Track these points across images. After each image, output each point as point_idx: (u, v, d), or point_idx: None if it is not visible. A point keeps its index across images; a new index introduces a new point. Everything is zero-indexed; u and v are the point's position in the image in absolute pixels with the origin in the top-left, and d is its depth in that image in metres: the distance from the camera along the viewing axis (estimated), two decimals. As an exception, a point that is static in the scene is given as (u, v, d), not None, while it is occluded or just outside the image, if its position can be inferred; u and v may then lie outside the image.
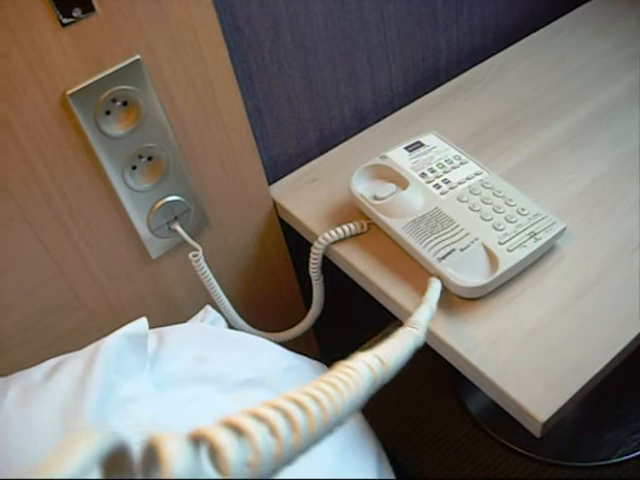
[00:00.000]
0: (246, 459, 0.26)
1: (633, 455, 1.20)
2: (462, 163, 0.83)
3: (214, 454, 0.26)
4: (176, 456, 0.24)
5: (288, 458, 0.29)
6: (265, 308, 1.03)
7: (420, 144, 0.86)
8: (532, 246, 0.72)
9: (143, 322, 0.66)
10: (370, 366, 0.38)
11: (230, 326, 0.89)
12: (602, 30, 1.11)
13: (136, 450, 0.26)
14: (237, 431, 0.27)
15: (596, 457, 1.21)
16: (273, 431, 0.28)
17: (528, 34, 1.13)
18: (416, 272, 0.75)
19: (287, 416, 0.30)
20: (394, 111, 1.03)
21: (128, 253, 0.81)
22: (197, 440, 0.26)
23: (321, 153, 0.98)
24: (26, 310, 0.77)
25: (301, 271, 0.99)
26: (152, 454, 0.25)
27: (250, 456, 0.27)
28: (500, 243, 0.72)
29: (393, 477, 0.76)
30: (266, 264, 0.99)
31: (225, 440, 0.26)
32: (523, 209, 0.76)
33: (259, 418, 0.28)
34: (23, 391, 0.62)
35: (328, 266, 0.86)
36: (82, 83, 0.66)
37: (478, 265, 0.72)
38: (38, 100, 0.64)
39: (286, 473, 0.61)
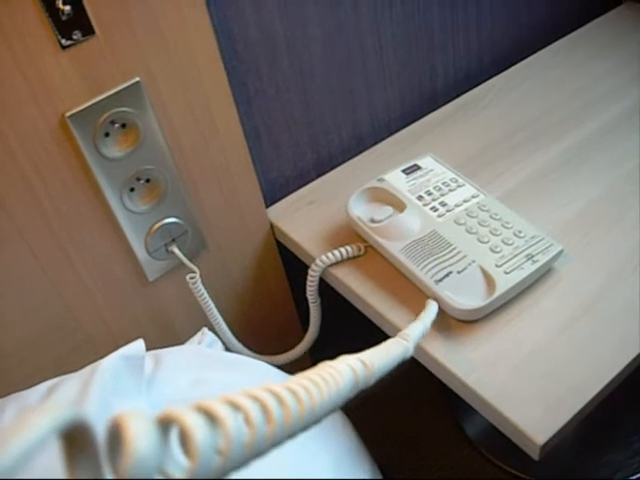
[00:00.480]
0: (216, 445, 0.25)
1: (632, 478, 1.19)
2: (459, 186, 0.83)
3: (183, 437, 0.25)
4: (139, 436, 0.23)
5: (260, 449, 0.28)
6: (262, 331, 1.03)
7: (417, 167, 0.86)
8: (529, 268, 0.72)
9: (140, 344, 0.66)
10: (353, 368, 0.38)
11: (227, 349, 0.89)
12: (601, 52, 1.12)
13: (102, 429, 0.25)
14: (209, 416, 0.26)
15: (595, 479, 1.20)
16: (247, 420, 0.27)
17: (526, 57, 1.14)
18: (413, 295, 0.75)
19: (263, 406, 0.29)
20: (391, 134, 1.03)
21: (125, 275, 0.81)
22: (166, 422, 0.25)
23: (318, 176, 0.98)
24: (23, 330, 0.76)
25: (298, 294, 0.99)
26: (116, 433, 0.23)
27: (220, 443, 0.25)
28: (497, 265, 0.72)
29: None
30: (263, 286, 0.98)
31: (195, 423, 0.25)
32: (520, 231, 0.76)
33: (234, 405, 0.27)
34: (19, 413, 0.62)
35: (325, 289, 0.86)
36: (81, 105, 0.66)
37: (475, 287, 0.72)
38: (37, 121, 0.65)
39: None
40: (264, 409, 0.29)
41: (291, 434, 0.30)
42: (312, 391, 0.32)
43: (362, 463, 0.73)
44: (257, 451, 0.28)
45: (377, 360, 0.42)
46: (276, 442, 0.29)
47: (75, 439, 0.24)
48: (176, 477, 0.24)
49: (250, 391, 0.29)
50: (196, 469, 0.24)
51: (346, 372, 0.37)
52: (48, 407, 0.22)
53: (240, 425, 0.27)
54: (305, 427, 0.31)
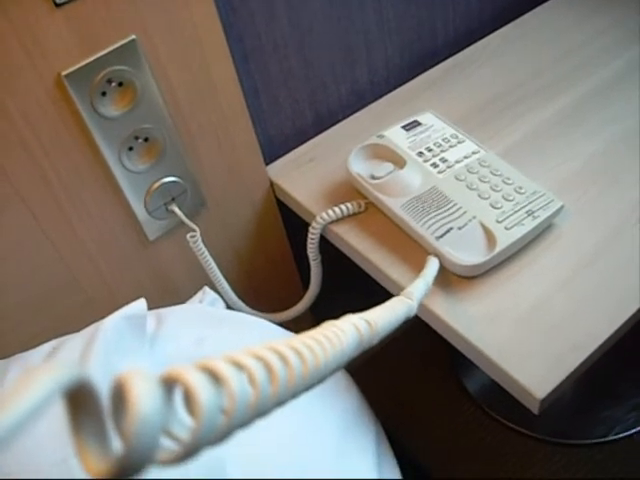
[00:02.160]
0: (220, 405, 0.25)
1: (629, 433, 1.21)
2: (459, 142, 0.83)
3: (187, 397, 0.25)
4: (144, 395, 0.23)
5: (264, 409, 0.28)
6: (263, 289, 1.03)
7: (417, 123, 0.86)
8: (530, 224, 0.72)
9: (142, 303, 0.66)
10: (357, 327, 0.38)
11: (228, 307, 0.89)
12: (599, 8, 1.11)
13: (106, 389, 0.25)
14: (213, 375, 0.26)
15: (593, 435, 1.22)
16: (251, 379, 0.27)
17: (525, 12, 1.12)
18: (414, 251, 0.75)
19: (267, 366, 0.29)
20: (391, 90, 1.02)
21: (125, 235, 0.81)
22: (170, 381, 0.25)
23: (318, 133, 0.98)
24: (24, 292, 0.77)
25: (299, 251, 0.99)
26: (120, 392, 0.23)
27: (225, 402, 0.25)
28: (498, 221, 0.72)
29: (392, 455, 0.77)
30: (263, 244, 0.98)
31: (199, 382, 0.25)
32: (520, 187, 0.76)
33: (238, 365, 0.27)
34: (23, 372, 0.62)
35: (326, 246, 0.86)
36: (77, 64, 0.65)
37: (476, 243, 0.72)
38: (33, 81, 0.64)
39: (288, 451, 0.62)
40: (268, 368, 0.29)
41: (295, 393, 0.30)
42: (316, 350, 0.32)
43: (366, 422, 0.74)
44: (261, 411, 0.28)
45: (381, 319, 0.43)
46: (280, 401, 0.29)
47: (79, 399, 0.24)
48: (180, 437, 0.25)
49: (254, 350, 0.29)
50: (200, 429, 0.24)
51: (350, 331, 0.37)
52: (51, 366, 0.22)
53: (244, 385, 0.27)
54: (309, 386, 0.31)
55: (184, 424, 0.25)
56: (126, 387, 0.23)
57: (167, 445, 0.24)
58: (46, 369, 0.22)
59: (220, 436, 0.26)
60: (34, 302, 0.78)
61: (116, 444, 0.24)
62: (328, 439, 0.66)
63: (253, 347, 0.29)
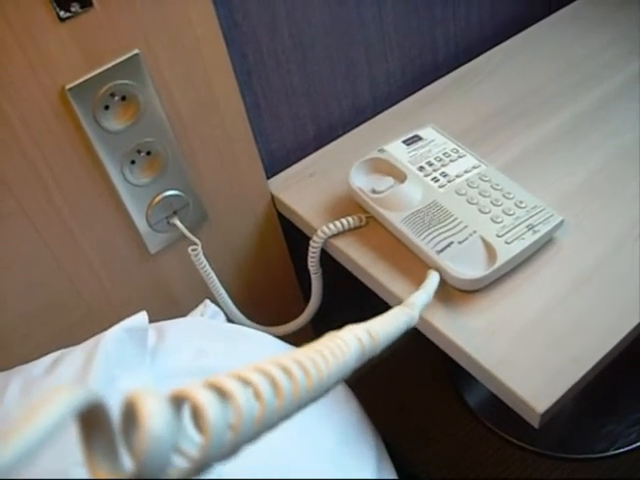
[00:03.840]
0: (228, 420, 0.26)
1: (630, 448, 1.20)
2: (460, 156, 0.83)
3: (195, 414, 0.25)
4: (154, 414, 0.23)
5: (270, 423, 0.28)
6: (264, 302, 1.03)
7: (418, 138, 0.86)
8: (530, 238, 0.73)
9: (143, 316, 0.66)
10: (359, 338, 0.38)
11: (229, 320, 0.89)
12: (601, 23, 1.11)
13: (116, 408, 0.25)
14: (220, 392, 0.26)
15: (594, 449, 1.21)
16: (257, 395, 0.28)
17: (526, 27, 1.13)
18: (415, 265, 0.76)
19: (272, 381, 0.29)
20: (392, 105, 1.03)
21: (127, 248, 0.81)
22: (178, 400, 0.25)
23: (319, 147, 0.98)
24: (26, 305, 0.77)
25: (300, 265, 0.99)
26: (131, 412, 0.24)
27: (232, 418, 0.26)
28: (498, 236, 0.73)
29: (392, 469, 0.77)
30: (265, 258, 0.99)
31: (207, 400, 0.25)
32: (521, 202, 0.76)
33: (243, 381, 0.28)
34: (24, 385, 0.62)
35: (327, 260, 0.86)
36: (81, 78, 0.66)
37: (476, 258, 0.72)
38: (37, 95, 0.64)
39: (286, 464, 0.62)
40: (273, 383, 0.29)
41: (300, 406, 0.30)
42: (319, 363, 0.33)
43: (366, 435, 0.74)
44: (267, 425, 0.28)
45: (382, 329, 0.43)
46: (286, 415, 0.29)
47: (91, 419, 0.24)
48: (190, 453, 0.25)
49: (259, 365, 0.30)
50: (209, 444, 0.25)
51: (352, 342, 0.37)
52: (64, 389, 0.23)
53: (250, 400, 0.27)
54: (314, 399, 0.32)
55: (193, 441, 0.25)
56: (136, 406, 0.24)
57: (177, 462, 0.25)
58: (60, 392, 0.22)
59: (228, 451, 0.26)
60: (35, 314, 0.78)
61: (127, 462, 0.25)
62: (327, 452, 0.66)
63: (258, 362, 0.30)
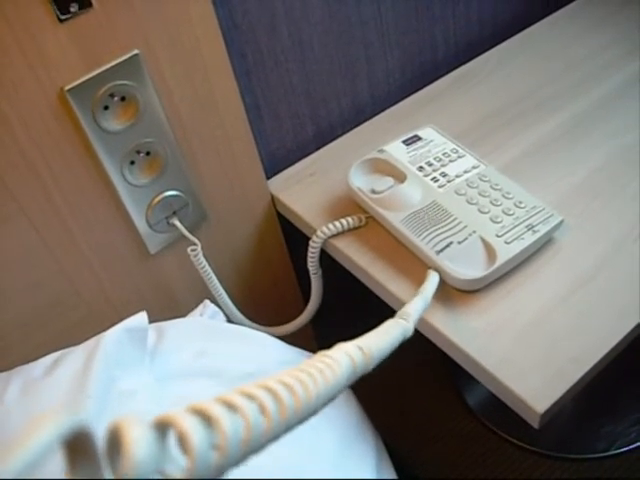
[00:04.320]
0: (212, 443, 0.26)
1: (630, 447, 1.20)
2: (459, 156, 0.83)
3: (180, 439, 0.26)
4: (137, 441, 0.24)
5: (257, 445, 0.28)
6: (263, 302, 1.03)
7: (418, 138, 0.86)
8: (530, 238, 0.73)
9: (143, 316, 0.66)
10: (350, 355, 0.38)
11: (229, 320, 0.89)
12: (600, 23, 1.11)
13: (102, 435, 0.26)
14: (205, 417, 0.27)
15: (594, 449, 1.22)
16: (243, 417, 0.28)
17: (525, 27, 1.13)
18: (414, 265, 0.76)
19: (258, 403, 0.29)
20: (391, 105, 1.03)
21: (127, 248, 0.81)
22: (163, 425, 0.26)
23: (319, 147, 0.98)
24: (26, 305, 0.77)
25: (299, 265, 0.99)
26: (115, 439, 0.25)
27: (217, 441, 0.26)
28: (498, 236, 0.73)
29: (392, 470, 0.77)
30: (264, 258, 0.99)
31: (190, 425, 0.26)
32: (520, 202, 0.76)
33: (229, 405, 0.28)
34: (24, 385, 0.62)
35: (326, 260, 0.86)
36: (80, 78, 0.66)
37: (476, 258, 0.72)
38: (36, 95, 0.64)
39: (287, 465, 0.62)
40: (259, 405, 0.29)
41: (288, 428, 0.31)
42: (308, 383, 0.33)
43: (366, 436, 0.74)
44: (254, 447, 0.28)
45: (375, 344, 0.42)
46: (274, 437, 0.30)
47: (76, 444, 0.25)
48: (176, 477, 0.25)
49: (244, 389, 0.30)
50: (194, 467, 0.25)
51: (343, 360, 0.37)
52: (49, 416, 0.23)
53: (236, 423, 0.28)
54: (303, 419, 0.32)
55: (179, 464, 0.26)
56: (121, 432, 0.24)
57: None
58: (45, 419, 0.23)
59: (214, 474, 0.26)
60: (35, 314, 0.78)
61: None
62: (327, 453, 0.66)
63: (243, 386, 0.30)
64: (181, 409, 0.27)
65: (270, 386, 0.31)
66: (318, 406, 0.33)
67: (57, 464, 0.25)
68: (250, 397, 0.29)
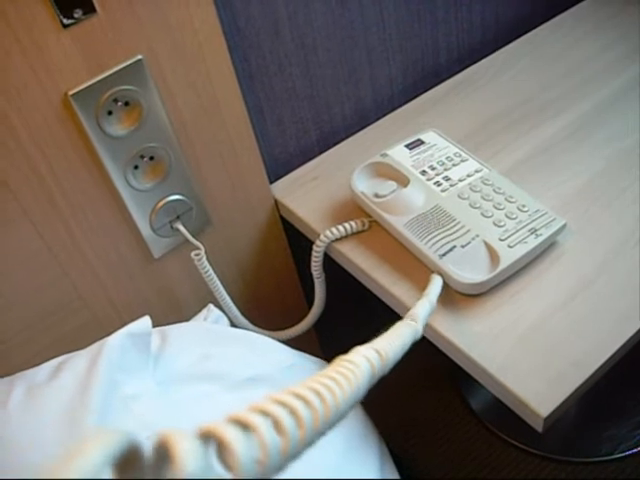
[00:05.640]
0: (255, 456, 0.26)
1: (634, 451, 1.20)
2: (462, 160, 0.83)
3: (222, 451, 0.25)
4: (188, 455, 0.24)
5: (294, 453, 0.29)
6: (267, 306, 1.04)
7: (420, 142, 0.86)
8: (533, 242, 0.73)
9: (146, 321, 0.66)
10: (369, 359, 0.39)
11: (233, 324, 0.89)
12: (602, 26, 1.11)
13: (146, 449, 0.25)
14: (244, 427, 0.27)
15: (597, 453, 1.21)
16: (279, 427, 0.28)
17: (528, 31, 1.13)
18: (417, 269, 0.76)
19: (292, 412, 0.29)
20: (394, 109, 1.03)
21: (130, 252, 0.82)
22: (206, 437, 0.26)
23: (322, 152, 0.98)
24: (30, 309, 0.77)
25: (303, 269, 0.99)
26: (163, 453, 0.24)
27: (258, 452, 0.26)
28: (501, 239, 0.73)
29: (396, 474, 0.77)
30: (268, 262, 0.99)
31: (234, 436, 0.26)
32: (523, 206, 0.76)
33: (265, 414, 0.28)
34: (27, 390, 0.62)
35: (330, 264, 0.86)
36: (84, 83, 0.66)
37: (479, 262, 0.72)
38: (40, 101, 0.65)
39: (290, 470, 0.62)
40: (294, 414, 0.30)
41: (320, 434, 0.31)
42: (335, 390, 0.33)
43: (370, 440, 0.74)
44: (292, 456, 0.29)
45: (390, 347, 0.43)
46: (307, 444, 0.30)
47: (126, 463, 0.25)
48: None
49: (277, 397, 0.30)
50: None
51: (363, 364, 0.38)
52: (101, 436, 0.23)
53: (273, 433, 0.28)
54: (332, 424, 0.32)
55: (220, 476, 0.26)
56: (170, 447, 0.24)
57: None
58: (97, 439, 0.23)
59: None
60: (39, 319, 0.78)
61: None
62: (330, 457, 0.66)
63: (275, 395, 0.30)
64: (221, 420, 0.27)
65: (301, 394, 0.31)
66: (345, 411, 0.33)
67: None
68: (284, 405, 0.30)
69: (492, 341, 0.69)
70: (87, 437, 0.22)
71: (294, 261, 1.03)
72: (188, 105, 0.76)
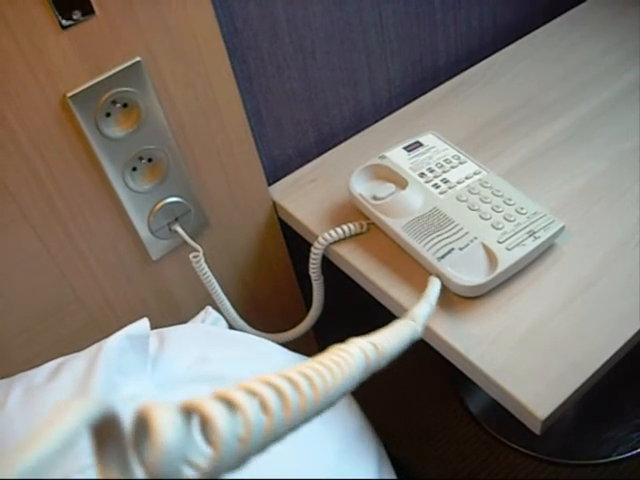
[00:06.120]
0: (237, 433, 0.26)
1: (632, 453, 1.20)
2: (461, 163, 0.83)
3: (205, 426, 0.25)
4: (167, 426, 0.23)
5: (278, 435, 0.28)
6: (265, 309, 1.03)
7: (419, 144, 0.86)
8: (531, 245, 0.73)
9: (144, 323, 0.66)
10: (364, 351, 0.38)
11: (231, 327, 0.89)
12: (600, 29, 1.12)
13: (128, 420, 0.25)
14: (229, 404, 0.26)
15: (596, 455, 1.21)
16: (265, 407, 0.28)
17: (526, 33, 1.13)
18: (416, 271, 0.76)
19: (279, 392, 0.29)
20: (393, 111, 1.03)
21: (129, 254, 0.81)
22: (188, 411, 0.26)
23: (320, 154, 0.98)
24: (28, 311, 0.77)
25: (301, 271, 0.99)
26: (143, 423, 0.24)
27: (241, 430, 0.26)
28: (499, 242, 0.73)
29: (394, 476, 0.76)
30: (266, 264, 0.99)
31: (217, 412, 0.25)
32: (522, 208, 0.76)
33: (252, 393, 0.28)
34: (26, 392, 0.62)
35: (328, 266, 0.86)
36: (82, 85, 0.66)
37: (477, 264, 0.72)
38: (38, 102, 0.65)
39: (290, 470, 0.62)
40: (280, 395, 0.29)
41: (307, 419, 0.31)
42: (326, 376, 0.33)
43: (368, 442, 0.74)
44: (275, 437, 0.28)
45: (387, 342, 0.43)
46: (293, 427, 0.30)
47: (104, 430, 0.24)
48: (200, 465, 0.25)
49: (266, 377, 0.30)
50: (219, 457, 0.25)
51: (358, 355, 0.37)
52: (79, 402, 0.23)
53: (259, 412, 0.27)
54: (320, 410, 0.32)
55: (202, 452, 0.25)
56: (149, 417, 0.24)
57: (187, 473, 0.25)
58: (74, 404, 0.22)
59: (237, 463, 0.26)
60: (37, 320, 0.78)
61: (138, 472, 0.25)
62: (328, 459, 0.66)
63: (264, 375, 0.30)
64: (205, 395, 0.26)
65: (291, 376, 0.31)
66: (334, 399, 0.33)
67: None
68: (271, 386, 0.29)
69: (490, 343, 0.69)
70: (64, 403, 0.22)
71: (292, 263, 1.03)
72: (186, 107, 0.76)
